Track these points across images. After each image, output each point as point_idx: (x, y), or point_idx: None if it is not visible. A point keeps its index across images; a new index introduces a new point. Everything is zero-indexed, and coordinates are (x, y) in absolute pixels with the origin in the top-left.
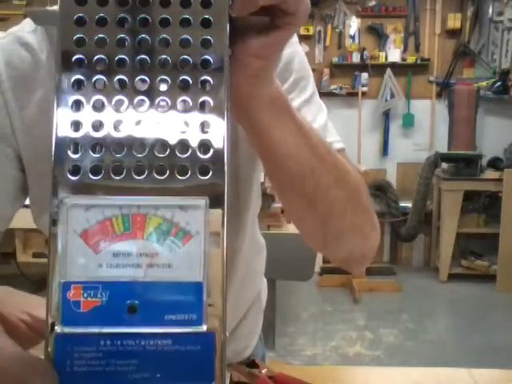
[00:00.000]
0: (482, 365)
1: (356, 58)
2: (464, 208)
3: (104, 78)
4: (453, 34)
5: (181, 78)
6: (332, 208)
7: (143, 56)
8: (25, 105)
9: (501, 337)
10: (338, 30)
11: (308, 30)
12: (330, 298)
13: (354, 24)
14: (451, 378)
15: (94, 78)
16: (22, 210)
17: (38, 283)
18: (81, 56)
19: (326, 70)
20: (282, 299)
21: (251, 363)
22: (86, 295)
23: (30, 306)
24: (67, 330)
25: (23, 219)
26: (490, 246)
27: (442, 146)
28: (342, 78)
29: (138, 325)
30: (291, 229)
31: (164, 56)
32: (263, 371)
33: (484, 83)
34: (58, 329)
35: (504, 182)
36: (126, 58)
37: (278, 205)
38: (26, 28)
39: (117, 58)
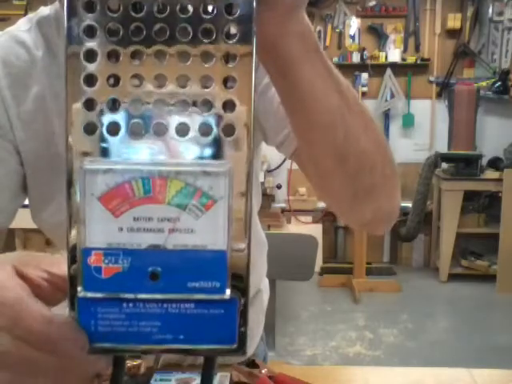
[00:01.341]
0: (482, 365)
1: (356, 58)
2: (464, 208)
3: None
4: (453, 33)
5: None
6: (363, 159)
7: None
8: (21, 101)
9: (501, 337)
10: (338, 30)
11: None
12: (330, 298)
13: (353, 24)
14: (451, 378)
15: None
16: (22, 210)
17: None
18: None
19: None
20: (282, 299)
21: (251, 363)
22: (106, 261)
23: (48, 263)
24: (90, 294)
25: (23, 219)
26: (489, 246)
27: (442, 146)
28: None
29: (159, 292)
30: (291, 228)
31: None
32: (263, 371)
33: (484, 83)
34: (80, 293)
35: (504, 182)
36: None
37: (278, 205)
38: (21, 27)
39: None
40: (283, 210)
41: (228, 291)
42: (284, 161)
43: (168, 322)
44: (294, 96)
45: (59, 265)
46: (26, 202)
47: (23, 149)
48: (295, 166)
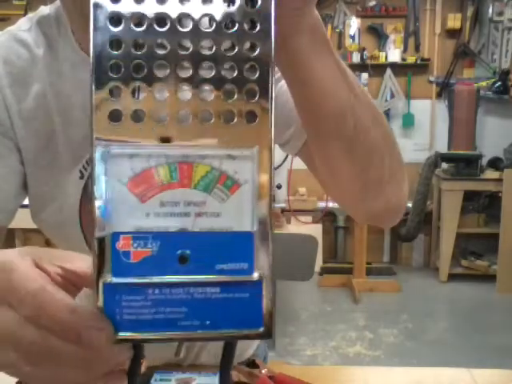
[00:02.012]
0: (482, 365)
1: (356, 58)
2: (464, 208)
3: None
4: (453, 33)
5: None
6: (371, 151)
7: None
8: (22, 99)
9: (501, 337)
10: (337, 30)
11: None
12: (330, 298)
13: (353, 24)
14: (451, 378)
15: None
16: (22, 210)
17: None
18: None
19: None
20: (281, 299)
21: (251, 363)
22: (135, 245)
23: (60, 258)
24: (116, 280)
25: (23, 219)
26: (489, 246)
27: (442, 146)
28: None
29: (188, 274)
30: (291, 229)
31: None
32: (263, 371)
33: (484, 83)
34: (106, 279)
35: (504, 182)
36: None
37: (278, 205)
38: (21, 26)
39: None
40: (283, 210)
41: (256, 273)
42: (284, 161)
43: (194, 307)
44: (305, 88)
45: (72, 260)
46: (26, 201)
47: (23, 146)
48: (295, 166)
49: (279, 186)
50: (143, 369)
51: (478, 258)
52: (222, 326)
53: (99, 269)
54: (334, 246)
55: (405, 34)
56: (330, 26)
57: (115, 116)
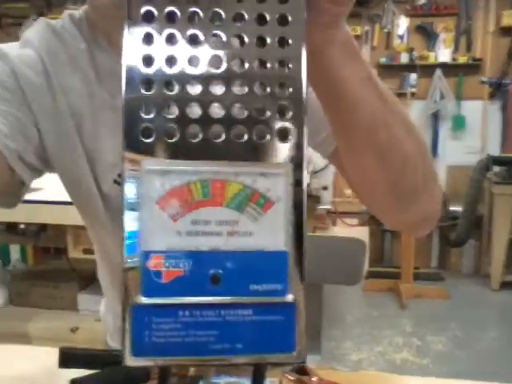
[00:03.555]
0: None
1: (404, 59)
2: None
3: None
4: (507, 31)
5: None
6: (405, 163)
7: None
8: (67, 91)
9: None
10: (386, 30)
11: (355, 30)
12: (376, 303)
13: (402, 23)
14: None
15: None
16: (72, 207)
17: (87, 279)
18: None
19: (374, 71)
20: (326, 301)
21: (301, 369)
22: (167, 265)
23: None
24: (146, 301)
25: (74, 216)
26: None
27: (494, 149)
28: (390, 79)
29: (221, 295)
30: (337, 231)
31: None
32: (314, 379)
33: None
34: (136, 300)
35: None
36: None
37: (323, 207)
38: (65, 21)
39: None
40: (329, 212)
41: (289, 294)
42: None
43: (225, 330)
44: (337, 101)
45: None
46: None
47: (47, 141)
48: None
49: (325, 188)
50: (192, 372)
51: None
52: (253, 350)
53: (128, 288)
54: (380, 250)
55: (456, 32)
56: (378, 26)
57: (147, 132)
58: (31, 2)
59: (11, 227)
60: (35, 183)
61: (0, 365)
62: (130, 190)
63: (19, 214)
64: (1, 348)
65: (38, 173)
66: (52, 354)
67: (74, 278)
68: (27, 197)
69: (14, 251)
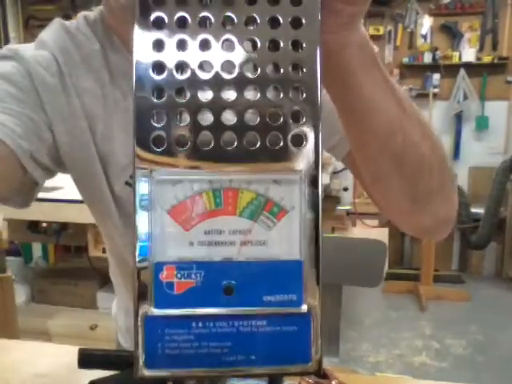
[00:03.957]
0: None
1: (428, 58)
2: None
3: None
4: None
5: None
6: (421, 166)
7: None
8: (81, 92)
9: None
10: (409, 30)
11: (378, 30)
12: (395, 305)
13: (426, 23)
14: None
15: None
16: None
17: (106, 277)
18: None
19: (396, 71)
20: (344, 303)
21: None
22: (179, 276)
23: None
24: (158, 312)
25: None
26: None
27: None
28: (413, 79)
29: (234, 306)
30: (357, 232)
31: None
32: (333, 383)
33: None
34: (149, 312)
35: None
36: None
37: (342, 207)
38: (80, 22)
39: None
40: (348, 213)
41: (304, 304)
42: None
43: (239, 341)
44: (352, 105)
45: None
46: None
47: (61, 141)
48: None
49: (346, 189)
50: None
51: None
52: (267, 362)
53: (139, 300)
54: (400, 251)
55: (481, 32)
56: (401, 26)
57: (158, 141)
58: (57, 4)
59: (33, 226)
60: (56, 182)
61: (22, 362)
62: (142, 191)
63: (41, 213)
64: (23, 345)
65: (51, 173)
66: (72, 352)
67: (93, 277)
68: (49, 196)
69: (36, 249)
